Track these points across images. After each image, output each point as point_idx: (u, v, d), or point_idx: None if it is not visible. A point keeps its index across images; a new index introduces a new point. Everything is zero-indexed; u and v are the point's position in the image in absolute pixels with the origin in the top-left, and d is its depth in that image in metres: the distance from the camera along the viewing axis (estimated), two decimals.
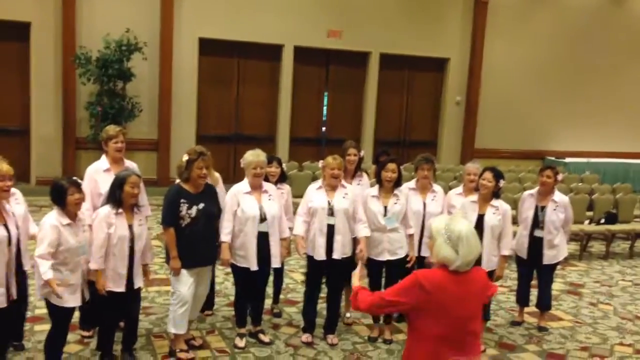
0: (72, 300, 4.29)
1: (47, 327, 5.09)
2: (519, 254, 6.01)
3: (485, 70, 14.49)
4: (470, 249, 2.88)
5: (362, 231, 5.26)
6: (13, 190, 4.55)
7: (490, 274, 5.36)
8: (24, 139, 11.44)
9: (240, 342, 5.22)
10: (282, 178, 5.77)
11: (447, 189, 6.89)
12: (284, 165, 5.88)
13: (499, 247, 5.42)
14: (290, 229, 5.45)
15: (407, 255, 5.44)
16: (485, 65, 14.47)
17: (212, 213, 4.93)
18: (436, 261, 2.95)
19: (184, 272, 4.83)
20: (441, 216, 3.11)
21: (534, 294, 6.17)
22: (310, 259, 5.30)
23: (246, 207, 5.05)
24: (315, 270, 5.34)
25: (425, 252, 5.48)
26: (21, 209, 4.60)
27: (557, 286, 7.39)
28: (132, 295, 4.70)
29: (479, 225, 5.32)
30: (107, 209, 4.53)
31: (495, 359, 5.33)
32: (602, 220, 9.33)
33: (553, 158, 14.83)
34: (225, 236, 5.04)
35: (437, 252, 2.92)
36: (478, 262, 5.18)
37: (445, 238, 2.89)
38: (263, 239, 5.08)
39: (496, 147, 14.76)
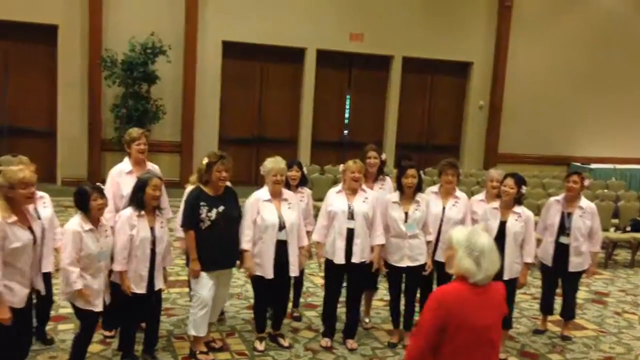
0: (95, 304, 4.34)
1: (70, 326, 5.19)
2: (544, 262, 5.93)
3: (509, 74, 14.36)
4: (492, 263, 2.86)
5: (377, 239, 5.26)
6: (42, 193, 4.73)
7: (513, 282, 5.31)
8: (50, 140, 11.63)
9: (260, 345, 5.23)
10: (303, 182, 5.77)
11: (469, 194, 6.84)
12: (304, 169, 5.87)
13: (521, 254, 5.36)
14: (309, 232, 5.45)
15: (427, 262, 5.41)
16: (509, 69, 14.34)
17: (233, 216, 4.94)
18: (456, 273, 2.90)
19: (203, 274, 4.84)
20: (461, 228, 3.07)
21: (557, 302, 6.09)
22: (329, 262, 5.29)
23: (266, 215, 5.04)
24: (335, 274, 5.33)
25: (440, 257, 5.43)
26: (48, 212, 4.71)
27: (581, 295, 7.27)
28: (153, 297, 4.75)
29: (501, 233, 5.27)
30: (130, 211, 4.59)
31: None
32: (628, 228, 9.17)
33: (578, 164, 14.62)
34: (246, 244, 5.03)
35: (458, 264, 2.87)
36: (501, 270, 5.16)
37: (467, 251, 2.84)
38: (282, 247, 5.08)
39: (520, 152, 14.61)
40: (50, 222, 4.67)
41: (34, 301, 4.29)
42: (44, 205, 4.74)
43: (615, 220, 9.33)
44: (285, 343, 5.33)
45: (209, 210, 4.80)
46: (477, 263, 2.83)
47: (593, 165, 14.54)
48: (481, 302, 2.86)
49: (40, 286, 4.19)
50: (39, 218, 4.42)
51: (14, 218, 3.84)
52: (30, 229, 3.98)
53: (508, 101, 14.45)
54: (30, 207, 4.21)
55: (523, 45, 14.31)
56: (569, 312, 5.98)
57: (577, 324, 6.30)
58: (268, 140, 13.03)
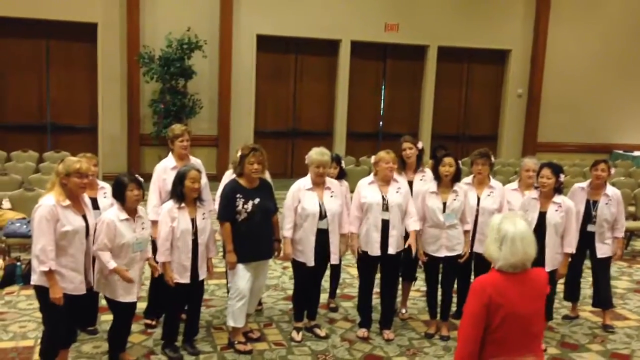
0: (127, 296, 4.43)
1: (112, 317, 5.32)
2: None
3: (548, 61, 14.07)
4: (514, 251, 2.83)
5: (412, 225, 5.25)
6: (103, 184, 5.06)
7: (554, 273, 5.24)
8: (92, 136, 11.91)
9: (297, 336, 5.29)
10: (341, 175, 5.78)
11: (507, 183, 6.75)
12: (342, 163, 5.88)
13: (562, 245, 5.27)
14: None
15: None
16: (549, 56, 14.05)
17: (268, 208, 5.01)
18: (486, 257, 2.96)
19: (241, 266, 4.92)
20: (500, 214, 3.07)
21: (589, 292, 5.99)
22: (363, 253, 5.30)
23: (307, 203, 5.09)
24: (369, 265, 5.35)
25: (477, 248, 5.39)
26: (107, 202, 4.90)
27: (623, 284, 7.16)
28: (195, 287, 4.86)
29: (541, 224, 5.19)
30: (171, 203, 4.71)
31: (557, 358, 5.21)
32: None
33: (621, 151, 14.27)
34: (286, 231, 5.12)
35: (486, 248, 2.95)
36: (541, 261, 5.11)
37: (494, 235, 2.87)
38: (322, 236, 5.12)
39: (560, 141, 14.34)
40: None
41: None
42: (104, 195, 4.97)
43: None
44: (322, 333, 5.38)
45: (245, 203, 4.86)
46: (499, 248, 2.85)
47: (636, 153, 14.18)
48: (520, 290, 2.85)
49: (91, 277, 4.35)
50: (98, 208, 4.69)
51: (68, 202, 4.05)
52: (84, 217, 4.15)
53: (547, 89, 14.17)
54: (88, 197, 4.42)
55: (563, 31, 14.00)
56: (604, 301, 5.88)
57: (618, 314, 6.19)
58: (303, 133, 13.08)
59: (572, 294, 6.05)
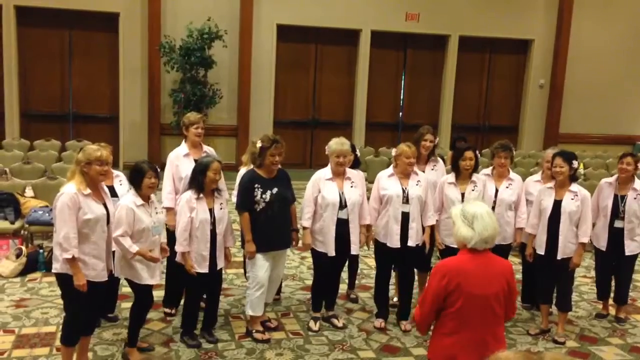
0: (151, 279, 4.50)
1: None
2: (597, 246, 5.75)
3: (571, 51, 13.82)
4: (485, 226, 3.08)
5: (429, 220, 5.26)
6: (118, 172, 5.15)
7: (567, 262, 5.21)
8: (113, 125, 12.02)
9: (314, 326, 5.32)
10: (356, 164, 5.78)
11: (527, 175, 6.71)
12: (357, 151, 5.89)
13: (576, 234, 5.21)
14: None
15: None
16: (572, 46, 13.80)
17: (286, 198, 5.04)
18: (456, 241, 3.20)
19: (259, 256, 4.96)
20: (457, 206, 3.33)
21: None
22: (380, 245, 5.31)
23: (327, 193, 5.11)
24: (386, 257, 5.36)
25: (498, 241, 5.32)
26: (124, 189, 4.99)
27: None
28: (214, 276, 4.91)
29: (556, 211, 5.16)
30: (189, 193, 4.74)
31: (576, 351, 5.17)
32: None
33: None
34: (306, 221, 5.15)
35: (456, 233, 3.17)
36: (554, 248, 5.07)
37: (462, 219, 3.13)
38: (342, 226, 5.14)
39: (582, 132, 14.13)
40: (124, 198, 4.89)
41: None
42: (120, 182, 5.08)
43: None
44: (339, 323, 5.40)
45: (264, 192, 4.89)
46: (472, 228, 3.09)
47: None
48: (482, 271, 3.09)
49: (112, 265, 4.42)
50: (116, 195, 4.76)
51: (89, 191, 4.12)
52: (105, 205, 4.21)
53: (570, 79, 13.95)
54: (105, 186, 4.47)
55: (586, 21, 13.74)
56: (622, 297, 5.80)
57: (638, 307, 6.12)
58: (323, 123, 13.05)
59: (604, 292, 5.92)
